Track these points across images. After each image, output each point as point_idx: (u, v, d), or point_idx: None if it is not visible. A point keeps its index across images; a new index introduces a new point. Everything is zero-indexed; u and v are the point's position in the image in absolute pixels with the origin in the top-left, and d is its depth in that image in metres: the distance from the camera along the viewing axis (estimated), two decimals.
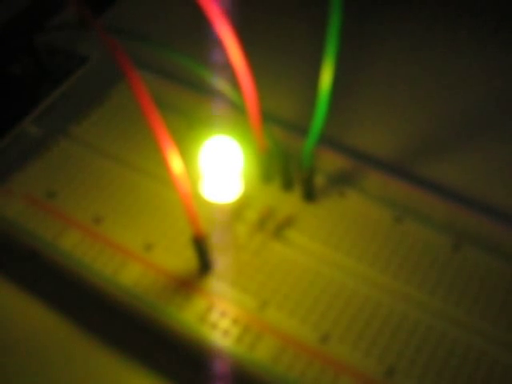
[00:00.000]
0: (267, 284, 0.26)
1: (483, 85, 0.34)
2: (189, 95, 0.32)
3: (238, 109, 0.27)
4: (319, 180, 0.29)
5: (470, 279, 0.26)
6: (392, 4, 0.39)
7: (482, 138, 0.32)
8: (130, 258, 0.27)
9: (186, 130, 0.31)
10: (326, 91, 0.24)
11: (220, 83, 0.26)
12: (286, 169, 0.28)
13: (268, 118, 0.28)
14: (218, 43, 0.25)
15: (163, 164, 0.22)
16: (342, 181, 0.29)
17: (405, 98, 0.34)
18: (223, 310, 0.26)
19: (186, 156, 0.27)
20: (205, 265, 0.26)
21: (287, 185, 0.29)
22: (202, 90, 0.30)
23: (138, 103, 0.22)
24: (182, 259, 0.27)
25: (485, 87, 0.34)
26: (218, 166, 0.27)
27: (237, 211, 0.28)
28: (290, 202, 0.29)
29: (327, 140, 0.28)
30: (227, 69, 0.26)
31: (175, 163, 0.22)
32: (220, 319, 0.25)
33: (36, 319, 0.27)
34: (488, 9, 0.38)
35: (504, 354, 0.24)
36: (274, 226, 0.28)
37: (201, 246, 0.26)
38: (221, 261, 0.27)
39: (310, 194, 0.28)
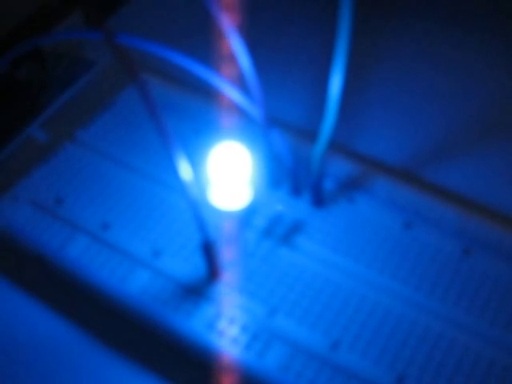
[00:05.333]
0: (276, 290, 0.26)
1: (497, 89, 0.34)
2: (197, 100, 0.32)
3: (246, 114, 0.26)
4: (328, 185, 0.29)
5: (480, 285, 0.26)
6: (402, 8, 0.38)
7: (493, 143, 0.32)
8: (138, 264, 0.27)
9: (194, 135, 0.31)
10: (335, 97, 0.24)
11: (228, 88, 0.26)
12: (295, 174, 0.28)
13: (277, 123, 0.27)
14: (227, 48, 0.25)
15: (171, 170, 0.22)
16: (351, 186, 0.29)
17: (414, 103, 0.34)
18: (232, 317, 0.25)
19: (195, 162, 0.27)
20: (213, 271, 0.26)
21: (296, 190, 0.29)
22: (210, 95, 0.30)
23: (145, 109, 0.21)
24: (191, 266, 0.27)
25: (499, 91, 0.34)
26: (227, 172, 0.27)
27: (245, 217, 0.28)
28: (299, 208, 0.28)
29: (336, 145, 0.28)
30: (236, 74, 0.26)
31: (183, 169, 0.22)
32: (229, 326, 0.25)
33: (42, 325, 0.27)
34: (497, 11, 0.38)
35: None
36: (283, 232, 0.28)
37: (209, 253, 0.26)
38: (229, 267, 0.27)
39: (318, 200, 0.28)
